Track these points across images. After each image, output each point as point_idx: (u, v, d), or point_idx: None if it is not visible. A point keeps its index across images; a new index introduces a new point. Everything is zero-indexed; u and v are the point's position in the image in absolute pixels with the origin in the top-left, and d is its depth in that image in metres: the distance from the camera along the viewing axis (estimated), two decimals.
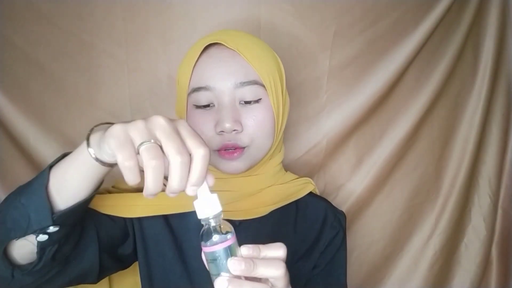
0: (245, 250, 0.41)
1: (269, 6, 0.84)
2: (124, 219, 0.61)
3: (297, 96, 0.89)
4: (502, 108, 1.03)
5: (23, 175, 0.92)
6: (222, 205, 0.41)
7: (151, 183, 0.35)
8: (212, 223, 0.41)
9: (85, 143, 0.41)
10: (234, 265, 0.39)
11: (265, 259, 0.41)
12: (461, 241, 1.08)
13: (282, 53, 0.69)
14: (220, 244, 0.40)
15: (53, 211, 0.43)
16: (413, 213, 1.02)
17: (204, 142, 0.38)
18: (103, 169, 0.43)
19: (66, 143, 0.89)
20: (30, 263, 0.46)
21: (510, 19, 0.97)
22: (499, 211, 1.08)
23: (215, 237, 0.41)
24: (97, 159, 0.41)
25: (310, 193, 0.72)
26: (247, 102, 0.60)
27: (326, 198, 0.75)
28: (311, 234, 0.67)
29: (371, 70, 0.91)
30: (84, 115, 0.89)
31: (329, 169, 0.96)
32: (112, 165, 0.42)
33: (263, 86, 0.60)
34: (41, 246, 0.44)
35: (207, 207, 0.40)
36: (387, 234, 1.01)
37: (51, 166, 0.44)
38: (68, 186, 0.44)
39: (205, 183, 0.39)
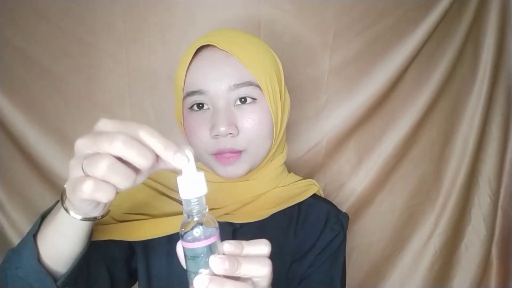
0: (228, 246, 0.38)
1: (269, 6, 0.84)
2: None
3: (297, 96, 0.89)
4: (502, 108, 1.03)
5: (23, 175, 0.92)
6: (209, 190, 0.38)
7: (121, 182, 0.34)
8: (196, 217, 0.37)
9: (63, 210, 0.42)
10: (218, 264, 0.36)
11: (249, 257, 0.38)
12: (461, 241, 1.08)
13: (282, 53, 0.68)
14: (204, 241, 0.37)
15: (55, 278, 0.44)
16: (413, 213, 1.02)
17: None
18: (93, 223, 0.44)
19: (66, 143, 0.89)
20: None
21: (510, 19, 0.97)
22: (499, 211, 1.08)
23: (199, 232, 0.37)
24: (86, 219, 0.42)
25: (314, 195, 0.70)
26: (242, 104, 0.58)
27: (326, 198, 0.75)
28: (311, 236, 0.66)
29: (371, 70, 0.91)
30: (84, 115, 0.89)
31: (329, 169, 0.96)
32: (103, 216, 0.43)
33: (259, 87, 0.59)
34: None
35: (191, 186, 0.36)
36: (387, 234, 1.01)
37: (33, 233, 0.45)
38: (61, 251, 0.45)
39: (192, 159, 0.36)
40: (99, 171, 0.34)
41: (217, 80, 0.57)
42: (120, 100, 0.87)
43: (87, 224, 0.43)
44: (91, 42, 0.85)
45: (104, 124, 0.37)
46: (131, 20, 0.84)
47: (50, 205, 0.96)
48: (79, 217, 0.41)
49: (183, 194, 0.37)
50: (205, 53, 0.59)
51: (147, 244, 0.63)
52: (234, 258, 0.37)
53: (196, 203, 0.37)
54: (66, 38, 0.85)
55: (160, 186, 0.65)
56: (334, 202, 0.73)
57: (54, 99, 0.88)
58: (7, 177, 0.92)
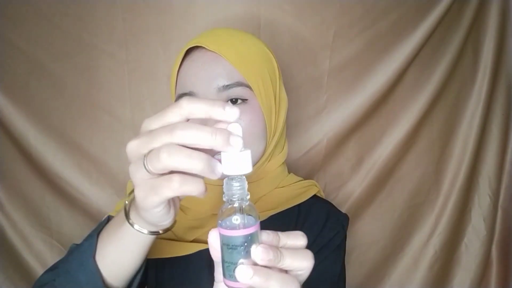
0: (266, 236, 0.36)
1: (269, 6, 0.84)
2: None
3: (297, 96, 0.89)
4: (502, 108, 1.03)
5: (23, 175, 0.92)
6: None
7: (200, 168, 0.32)
8: (237, 203, 0.35)
9: (127, 226, 0.40)
10: (262, 254, 0.33)
11: (292, 249, 0.36)
12: (461, 241, 1.08)
13: (282, 53, 0.69)
14: (247, 229, 0.34)
15: None
16: (413, 213, 1.02)
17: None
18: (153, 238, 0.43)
19: (66, 143, 0.89)
20: None
21: (510, 19, 0.97)
22: (499, 211, 1.08)
23: (238, 220, 0.35)
24: (153, 233, 0.41)
25: (314, 195, 0.69)
26: (233, 105, 0.58)
27: (326, 198, 0.74)
28: (310, 236, 0.64)
29: (371, 70, 0.91)
30: (84, 115, 0.89)
31: (329, 169, 0.96)
32: (169, 229, 0.42)
33: (249, 87, 0.58)
34: None
35: (237, 163, 0.34)
36: (387, 234, 1.01)
37: (91, 255, 0.44)
38: (124, 268, 0.44)
39: (239, 134, 0.34)
40: (160, 163, 0.31)
41: (206, 81, 0.57)
42: (120, 100, 0.87)
43: (150, 239, 0.42)
44: (91, 42, 0.85)
45: (149, 123, 0.35)
46: (131, 20, 0.84)
47: (50, 205, 0.97)
48: (145, 231, 0.40)
49: (227, 171, 0.34)
50: (195, 55, 0.59)
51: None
52: (277, 248, 0.35)
53: (239, 187, 0.35)
54: (66, 38, 0.85)
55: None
56: (334, 202, 0.72)
57: (54, 99, 0.88)
58: (7, 177, 0.92)
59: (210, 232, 0.36)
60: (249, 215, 0.35)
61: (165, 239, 0.60)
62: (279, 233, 0.37)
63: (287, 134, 0.72)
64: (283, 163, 0.69)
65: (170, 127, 0.32)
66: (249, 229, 0.34)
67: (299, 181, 0.71)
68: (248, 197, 0.36)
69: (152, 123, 0.34)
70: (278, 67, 0.65)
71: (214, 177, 0.33)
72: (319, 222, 0.66)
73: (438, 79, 0.96)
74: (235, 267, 0.34)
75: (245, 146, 0.58)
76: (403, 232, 1.03)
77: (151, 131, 0.33)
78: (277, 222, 0.63)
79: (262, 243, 0.35)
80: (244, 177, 0.36)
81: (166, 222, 0.38)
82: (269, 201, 0.64)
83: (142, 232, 0.40)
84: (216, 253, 0.36)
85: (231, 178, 0.35)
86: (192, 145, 0.32)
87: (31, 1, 0.83)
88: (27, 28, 0.85)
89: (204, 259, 0.38)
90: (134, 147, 0.34)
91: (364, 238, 1.00)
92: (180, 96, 0.59)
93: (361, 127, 0.95)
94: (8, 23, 0.85)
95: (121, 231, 0.42)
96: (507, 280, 1.08)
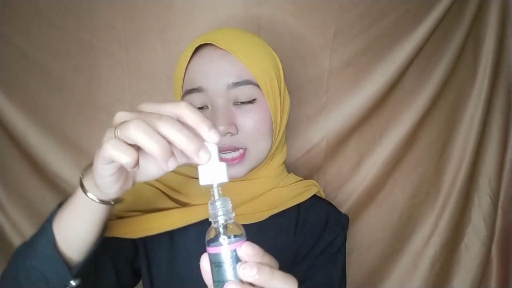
0: (250, 248, 0.36)
1: (269, 6, 0.84)
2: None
3: (297, 96, 0.89)
4: (502, 108, 1.02)
5: (23, 175, 0.92)
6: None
7: (155, 151, 0.34)
8: (221, 222, 0.37)
9: (80, 191, 0.42)
10: (246, 271, 0.34)
11: (278, 270, 0.36)
12: (461, 241, 1.08)
13: (282, 53, 0.68)
14: (229, 246, 0.35)
15: (69, 266, 0.44)
16: (413, 213, 1.02)
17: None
18: (108, 209, 0.44)
19: (66, 143, 0.89)
20: None
21: (510, 19, 0.97)
22: (499, 211, 1.08)
23: (228, 237, 0.36)
24: (102, 202, 0.42)
25: (314, 195, 0.69)
26: (241, 103, 0.58)
27: (326, 199, 0.74)
28: (311, 238, 0.65)
29: (371, 70, 0.91)
30: (84, 115, 0.89)
31: (329, 169, 0.96)
32: (117, 201, 0.43)
33: (258, 86, 0.58)
34: None
35: (212, 173, 0.36)
36: (387, 234, 1.01)
37: (50, 221, 0.45)
38: (76, 237, 0.45)
39: (216, 148, 0.37)
40: (127, 132, 0.34)
41: (216, 77, 0.57)
42: (120, 100, 0.87)
43: (102, 210, 0.44)
44: (91, 42, 0.85)
45: (145, 106, 0.38)
46: (131, 20, 0.84)
47: (50, 205, 0.96)
48: (96, 198, 0.42)
49: (203, 181, 0.37)
50: (204, 52, 0.59)
51: (147, 243, 0.62)
52: (264, 266, 0.35)
53: (222, 207, 0.37)
54: (66, 38, 0.85)
55: (160, 185, 0.65)
56: (334, 202, 0.72)
57: (54, 99, 0.88)
58: (7, 177, 0.92)
59: (202, 256, 0.37)
60: (234, 232, 0.37)
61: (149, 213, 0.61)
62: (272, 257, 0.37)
63: (286, 134, 0.72)
64: (282, 163, 0.69)
65: (159, 116, 0.35)
66: (233, 245, 0.36)
67: (299, 181, 0.71)
68: (233, 215, 0.38)
69: (147, 107, 0.37)
70: (281, 69, 0.65)
71: (165, 167, 0.35)
72: (320, 222, 0.66)
73: (438, 79, 0.96)
74: (223, 285, 0.35)
75: (253, 144, 0.59)
76: (403, 232, 1.03)
77: (142, 111, 0.36)
78: (277, 222, 0.63)
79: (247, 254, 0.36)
80: (227, 198, 0.38)
81: (112, 191, 0.40)
82: (269, 201, 0.64)
83: (94, 200, 0.42)
84: (207, 276, 0.37)
85: (214, 199, 0.38)
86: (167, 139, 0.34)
87: (31, 1, 0.83)
88: (27, 28, 0.85)
89: (193, 234, 0.39)
90: (121, 116, 0.36)
91: (364, 238, 1.00)
92: (188, 92, 0.59)
93: (361, 127, 0.95)
94: (8, 23, 0.85)
95: (76, 199, 0.44)
96: (507, 280, 1.08)
